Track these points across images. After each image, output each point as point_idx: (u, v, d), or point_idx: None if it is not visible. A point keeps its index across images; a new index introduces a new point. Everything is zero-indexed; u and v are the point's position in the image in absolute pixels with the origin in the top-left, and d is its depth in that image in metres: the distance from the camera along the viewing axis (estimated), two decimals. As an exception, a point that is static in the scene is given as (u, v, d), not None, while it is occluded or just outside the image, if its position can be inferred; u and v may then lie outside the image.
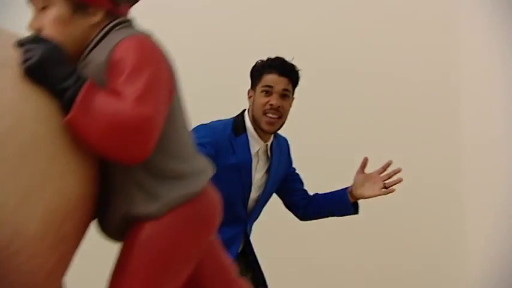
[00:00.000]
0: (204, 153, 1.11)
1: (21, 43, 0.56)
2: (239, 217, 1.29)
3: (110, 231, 0.68)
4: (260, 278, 1.36)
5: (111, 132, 0.55)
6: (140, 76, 0.58)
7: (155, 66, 0.61)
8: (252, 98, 1.30)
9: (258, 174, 1.32)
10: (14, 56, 0.55)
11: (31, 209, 0.52)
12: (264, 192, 1.33)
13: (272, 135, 1.31)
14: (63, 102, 0.55)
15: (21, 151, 0.51)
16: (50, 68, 0.55)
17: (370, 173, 1.27)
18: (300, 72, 1.31)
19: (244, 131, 1.30)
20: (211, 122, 1.31)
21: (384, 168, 1.26)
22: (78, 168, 0.58)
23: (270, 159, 1.33)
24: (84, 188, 0.60)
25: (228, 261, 0.79)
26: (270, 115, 1.25)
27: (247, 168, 1.28)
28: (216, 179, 1.13)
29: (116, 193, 0.64)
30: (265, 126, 1.26)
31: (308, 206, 1.38)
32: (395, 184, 1.25)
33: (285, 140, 1.43)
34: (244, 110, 1.33)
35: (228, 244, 1.29)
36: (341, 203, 1.33)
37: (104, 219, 0.67)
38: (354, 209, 1.33)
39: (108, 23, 0.65)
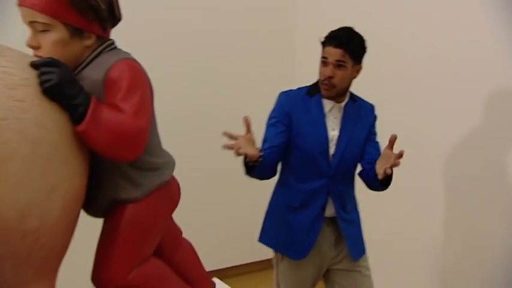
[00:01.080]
0: (278, 116, 1.43)
1: (37, 65, 0.67)
2: (322, 171, 1.40)
3: (96, 211, 0.83)
4: (348, 237, 1.44)
5: (115, 140, 0.71)
6: (134, 94, 0.74)
7: (144, 85, 0.77)
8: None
9: (334, 132, 1.43)
10: (33, 76, 0.66)
11: (53, 201, 0.66)
12: (338, 148, 1.42)
13: (348, 97, 1.45)
14: (76, 116, 0.68)
15: (48, 156, 0.64)
16: (65, 88, 0.67)
17: (387, 151, 1.28)
18: (357, 39, 1.37)
19: (319, 92, 1.42)
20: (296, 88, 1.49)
21: (391, 144, 1.28)
22: (81, 166, 0.73)
23: (342, 118, 1.44)
24: (84, 181, 0.75)
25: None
26: (325, 84, 1.37)
27: (321, 123, 1.40)
28: (296, 135, 1.43)
29: (104, 182, 0.80)
30: (323, 92, 1.40)
31: (368, 173, 1.43)
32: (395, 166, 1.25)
33: (372, 107, 1.52)
34: None
35: (311, 197, 1.42)
36: (372, 177, 1.36)
37: (91, 202, 0.82)
38: (380, 184, 1.35)
39: (99, 45, 0.77)
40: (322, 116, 1.42)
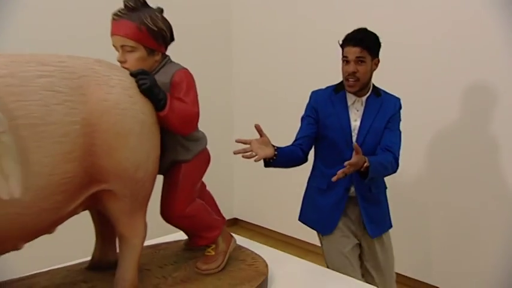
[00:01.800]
0: (308, 111, 1.73)
1: (135, 74, 1.04)
2: (346, 158, 1.54)
3: (160, 170, 1.22)
4: (366, 214, 1.69)
5: (183, 121, 1.11)
6: (191, 91, 1.13)
7: (194, 85, 1.17)
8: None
9: (356, 122, 1.65)
10: (133, 81, 1.04)
11: (150, 161, 1.06)
12: (359, 136, 1.64)
13: (370, 91, 1.67)
14: (160, 106, 1.07)
15: (147, 132, 1.04)
16: (154, 88, 1.05)
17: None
18: (372, 36, 1.60)
19: (343, 89, 1.67)
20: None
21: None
22: (159, 139, 1.12)
23: (364, 110, 1.65)
24: (160, 149, 1.14)
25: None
26: (349, 79, 1.60)
27: (344, 115, 1.63)
28: (323, 126, 1.66)
29: (167, 150, 1.19)
30: (347, 88, 1.64)
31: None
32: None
33: (396, 100, 1.71)
34: None
35: (335, 181, 1.52)
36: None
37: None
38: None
39: (163, 59, 1.16)
40: (345, 109, 1.65)
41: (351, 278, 1.41)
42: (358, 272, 1.73)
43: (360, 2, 2.88)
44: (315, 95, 1.76)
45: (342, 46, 1.63)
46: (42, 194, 0.88)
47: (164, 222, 1.22)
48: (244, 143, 1.45)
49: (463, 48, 2.35)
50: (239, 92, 3.84)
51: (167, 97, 1.09)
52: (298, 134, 1.74)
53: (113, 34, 1.09)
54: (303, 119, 1.76)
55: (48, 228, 0.97)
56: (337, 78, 1.78)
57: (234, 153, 1.46)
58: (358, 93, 1.66)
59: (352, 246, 1.73)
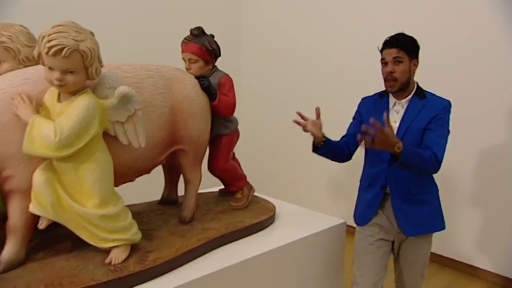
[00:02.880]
0: (355, 114, 1.88)
1: (198, 77, 1.65)
2: (383, 157, 1.67)
3: (209, 140, 1.84)
4: (399, 212, 1.69)
5: (226, 108, 1.73)
6: (231, 89, 1.75)
7: (233, 85, 1.78)
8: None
9: (395, 124, 1.67)
10: (196, 82, 1.65)
11: (206, 132, 1.69)
12: (397, 135, 1.61)
13: (412, 94, 1.68)
14: (212, 98, 1.67)
15: (206, 114, 1.66)
16: (210, 87, 1.66)
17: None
18: (408, 38, 1.64)
19: (387, 94, 1.74)
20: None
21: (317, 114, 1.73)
22: (210, 119, 1.73)
23: (404, 112, 1.68)
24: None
25: None
26: (387, 80, 1.65)
27: (383, 116, 1.56)
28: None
29: (214, 127, 1.80)
30: (387, 89, 1.69)
31: None
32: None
33: (443, 102, 1.67)
34: None
35: (375, 178, 1.73)
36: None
37: None
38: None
39: (213, 67, 1.76)
40: (384, 109, 1.69)
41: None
42: (375, 272, 1.71)
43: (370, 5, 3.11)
44: (362, 101, 1.87)
45: (381, 50, 1.69)
46: (149, 148, 1.49)
47: (209, 177, 1.84)
48: (302, 117, 1.68)
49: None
50: (246, 95, 4.15)
51: (217, 92, 1.70)
52: (345, 133, 1.88)
53: (183, 51, 1.70)
54: (351, 121, 1.91)
55: (148, 170, 1.58)
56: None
57: (293, 121, 1.69)
58: (399, 96, 1.70)
59: (378, 245, 1.74)
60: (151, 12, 3.07)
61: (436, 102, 1.67)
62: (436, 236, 1.77)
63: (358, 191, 1.89)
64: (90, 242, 1.32)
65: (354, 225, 1.88)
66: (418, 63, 1.69)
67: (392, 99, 1.74)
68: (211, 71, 1.76)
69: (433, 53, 2.39)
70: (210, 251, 1.57)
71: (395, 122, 1.69)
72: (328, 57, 3.49)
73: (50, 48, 1.13)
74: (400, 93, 1.70)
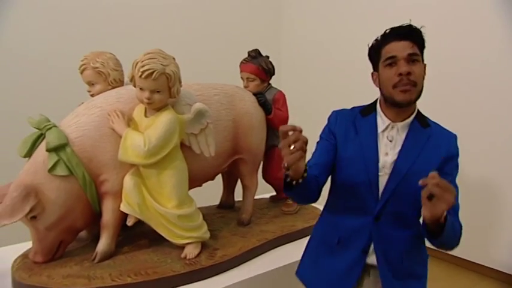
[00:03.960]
0: (325, 134, 1.25)
1: (256, 94, 1.84)
2: (366, 207, 1.14)
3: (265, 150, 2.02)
4: None
5: (280, 120, 1.90)
6: (284, 104, 1.93)
7: (286, 101, 1.96)
8: (377, 80, 1.16)
9: (386, 157, 1.13)
10: (255, 98, 1.84)
11: (263, 142, 1.87)
12: (391, 178, 1.10)
13: (413, 116, 1.15)
14: (268, 112, 1.86)
15: (262, 126, 1.84)
16: (266, 102, 1.85)
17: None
18: (420, 32, 1.11)
19: (373, 111, 1.18)
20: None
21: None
22: (266, 131, 1.92)
23: (403, 141, 1.13)
24: (264, 137, 1.94)
25: None
26: (402, 81, 1.07)
27: (370, 146, 1.13)
28: (340, 158, 1.17)
29: (269, 138, 1.98)
30: (399, 97, 1.08)
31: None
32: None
33: (452, 136, 1.17)
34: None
35: (351, 235, 1.15)
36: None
37: None
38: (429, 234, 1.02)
39: (268, 84, 1.96)
40: (372, 136, 1.15)
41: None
42: None
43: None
44: (336, 117, 1.26)
45: (381, 44, 1.14)
46: (215, 157, 1.68)
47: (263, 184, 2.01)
48: (294, 129, 0.96)
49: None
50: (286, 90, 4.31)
51: (272, 107, 1.88)
52: (310, 160, 1.24)
53: (242, 71, 1.91)
54: (318, 143, 1.29)
55: (213, 177, 1.78)
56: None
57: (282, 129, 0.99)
58: (397, 115, 1.15)
59: None
60: (199, 34, 3.32)
61: (444, 135, 1.16)
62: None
63: (315, 249, 1.30)
64: (168, 238, 1.51)
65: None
66: (425, 68, 1.15)
67: (383, 120, 1.17)
68: (267, 88, 1.95)
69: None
70: (268, 251, 1.73)
71: (386, 154, 1.13)
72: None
73: (143, 72, 1.35)
74: (401, 110, 1.14)
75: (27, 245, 1.54)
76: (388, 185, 1.12)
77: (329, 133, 1.26)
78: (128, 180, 1.44)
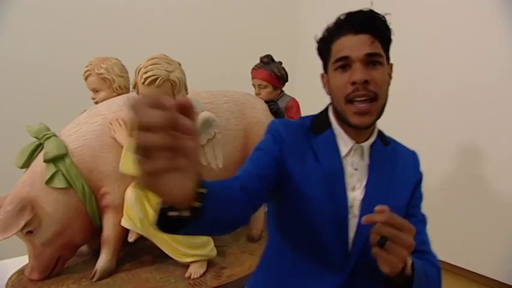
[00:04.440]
0: (268, 144, 0.82)
1: (268, 102, 1.74)
2: (334, 263, 0.80)
3: None
4: None
5: None
6: (298, 112, 1.82)
7: (299, 108, 1.85)
8: (327, 85, 0.84)
9: (354, 193, 0.81)
10: (266, 106, 1.74)
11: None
12: (364, 208, 0.79)
13: (375, 134, 0.86)
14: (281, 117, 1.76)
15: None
16: (278, 110, 1.75)
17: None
18: (385, 22, 0.79)
19: (328, 127, 0.85)
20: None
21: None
22: None
23: (368, 168, 0.83)
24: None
25: None
26: (358, 99, 0.76)
27: (337, 179, 0.80)
28: (292, 196, 0.78)
29: None
30: (353, 119, 0.78)
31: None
32: None
33: (413, 155, 0.91)
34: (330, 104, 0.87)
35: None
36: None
37: None
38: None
39: (281, 92, 1.85)
40: (336, 164, 0.81)
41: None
42: None
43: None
44: (283, 126, 0.86)
45: (331, 37, 0.82)
46: (224, 169, 1.58)
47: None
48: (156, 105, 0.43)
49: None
50: (300, 98, 4.16)
51: (285, 116, 1.77)
52: (244, 170, 0.79)
53: (253, 77, 1.81)
54: (251, 155, 0.84)
55: (221, 189, 1.67)
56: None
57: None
58: (360, 133, 0.84)
59: None
60: (212, 38, 3.22)
61: (407, 154, 0.91)
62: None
63: None
64: (172, 256, 1.41)
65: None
66: (392, 70, 0.85)
67: (344, 140, 0.84)
68: (279, 95, 1.85)
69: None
70: (279, 270, 1.61)
71: (353, 189, 0.82)
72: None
73: (146, 78, 1.26)
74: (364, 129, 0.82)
75: (25, 259, 1.46)
76: (360, 230, 0.79)
77: (273, 145, 0.82)
78: (130, 194, 1.35)
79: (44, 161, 1.28)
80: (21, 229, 1.23)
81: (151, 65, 1.27)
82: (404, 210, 0.84)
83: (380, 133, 0.89)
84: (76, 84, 1.70)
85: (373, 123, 0.81)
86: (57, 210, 1.30)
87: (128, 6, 2.38)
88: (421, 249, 0.82)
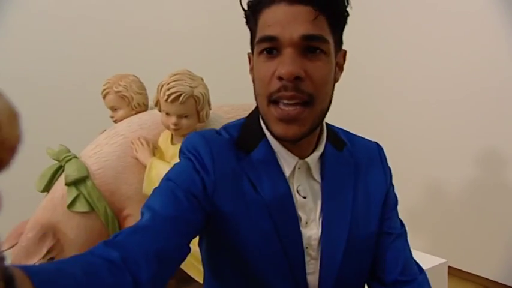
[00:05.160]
0: (183, 181, 0.57)
1: None
2: None
3: None
4: None
5: None
6: None
7: None
8: (252, 72, 0.61)
9: (310, 229, 0.61)
10: None
11: None
12: (323, 269, 0.61)
13: (323, 140, 0.63)
14: None
15: None
16: None
17: None
18: None
19: (261, 138, 0.61)
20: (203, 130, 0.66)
21: None
22: None
23: (322, 191, 0.62)
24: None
25: None
26: (284, 101, 0.54)
27: (286, 212, 0.59)
28: (233, 232, 0.58)
29: None
30: (276, 128, 0.56)
31: None
32: None
33: (376, 148, 0.71)
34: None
35: None
36: None
37: None
38: None
39: None
40: (281, 192, 0.59)
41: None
42: None
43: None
44: (204, 144, 0.61)
45: (259, 4, 0.57)
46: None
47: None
48: None
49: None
50: None
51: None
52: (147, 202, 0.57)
53: None
54: (158, 187, 0.60)
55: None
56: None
57: None
58: (299, 147, 0.61)
59: None
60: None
61: (368, 152, 0.70)
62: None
63: None
64: (198, 279, 1.34)
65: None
66: (345, 58, 0.63)
67: (283, 156, 0.61)
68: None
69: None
70: None
71: (306, 224, 0.61)
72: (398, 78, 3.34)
73: (169, 95, 1.22)
74: (302, 141, 0.59)
75: None
76: (324, 276, 0.61)
77: (193, 176, 0.58)
78: (154, 215, 1.30)
79: (66, 184, 1.24)
80: (43, 256, 1.18)
81: (174, 81, 1.23)
82: (376, 234, 0.65)
83: (330, 135, 0.65)
84: (93, 103, 1.67)
85: (305, 135, 0.56)
86: (80, 236, 1.25)
87: (143, 21, 2.36)
88: (406, 278, 0.64)
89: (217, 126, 1.40)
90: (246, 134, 0.62)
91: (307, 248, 0.60)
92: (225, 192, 0.58)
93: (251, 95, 0.60)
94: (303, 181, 0.61)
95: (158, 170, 1.25)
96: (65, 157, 1.28)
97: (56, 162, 1.30)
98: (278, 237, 0.58)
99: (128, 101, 1.50)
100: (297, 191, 0.61)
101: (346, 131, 0.71)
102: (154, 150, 1.34)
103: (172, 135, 1.33)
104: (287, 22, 0.53)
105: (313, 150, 0.62)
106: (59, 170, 1.29)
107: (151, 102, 1.56)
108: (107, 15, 2.22)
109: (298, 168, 0.61)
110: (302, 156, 0.61)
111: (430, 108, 2.38)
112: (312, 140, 0.61)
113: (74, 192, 1.24)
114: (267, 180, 0.59)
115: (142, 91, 1.54)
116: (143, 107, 1.54)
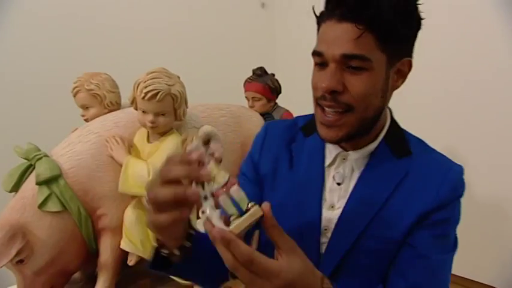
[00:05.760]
0: (245, 165, 0.76)
1: (262, 114, 1.72)
2: None
3: None
4: None
5: None
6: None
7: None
8: None
9: (333, 212, 0.66)
10: (261, 118, 1.72)
11: None
12: (330, 247, 0.65)
13: (375, 142, 0.67)
14: None
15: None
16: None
17: None
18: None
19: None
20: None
21: None
22: None
23: (357, 183, 0.66)
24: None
25: None
26: (325, 109, 0.61)
27: (311, 193, 0.67)
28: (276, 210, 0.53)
29: None
30: (319, 129, 0.64)
31: None
32: None
33: (450, 169, 0.66)
34: None
35: None
36: None
37: None
38: None
39: (274, 105, 1.84)
40: (314, 174, 0.68)
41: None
42: None
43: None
44: (264, 133, 0.79)
45: (319, 18, 0.64)
46: (223, 184, 1.54)
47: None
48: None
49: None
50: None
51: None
52: None
53: (247, 90, 1.79)
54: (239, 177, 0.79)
55: (220, 205, 1.63)
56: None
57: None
58: (348, 142, 0.68)
59: None
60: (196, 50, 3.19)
61: (433, 172, 0.66)
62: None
63: None
64: (175, 279, 1.34)
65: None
66: (410, 67, 0.65)
67: (328, 146, 0.71)
68: (273, 107, 1.84)
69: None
70: None
71: (332, 207, 0.68)
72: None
73: (146, 93, 1.21)
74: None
75: (13, 291, 1.34)
76: (333, 256, 0.64)
77: (251, 166, 0.73)
78: (129, 214, 1.28)
79: (36, 184, 1.19)
80: (12, 258, 1.13)
81: (151, 79, 1.23)
82: (398, 243, 0.63)
83: (392, 138, 0.67)
84: (62, 102, 1.62)
85: (345, 139, 0.63)
86: (51, 236, 1.21)
87: (116, 18, 2.31)
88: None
89: (194, 124, 1.42)
90: (312, 122, 0.70)
91: (325, 229, 0.67)
92: (265, 160, 0.73)
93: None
94: (343, 171, 0.68)
95: (134, 169, 1.24)
96: (35, 155, 1.24)
97: (25, 161, 1.25)
98: (297, 213, 0.67)
99: (100, 99, 1.48)
100: (333, 177, 0.68)
101: (425, 145, 0.71)
102: (130, 148, 1.32)
103: (148, 133, 1.33)
104: (332, 40, 0.58)
105: (362, 147, 0.68)
106: (28, 169, 1.25)
107: (123, 101, 1.54)
108: (76, 11, 2.16)
109: (343, 159, 0.69)
110: (346, 149, 0.68)
111: (430, 109, 2.39)
112: (363, 138, 0.67)
113: (45, 191, 1.19)
114: (306, 162, 0.70)
115: (115, 89, 1.52)
116: (116, 106, 1.52)
